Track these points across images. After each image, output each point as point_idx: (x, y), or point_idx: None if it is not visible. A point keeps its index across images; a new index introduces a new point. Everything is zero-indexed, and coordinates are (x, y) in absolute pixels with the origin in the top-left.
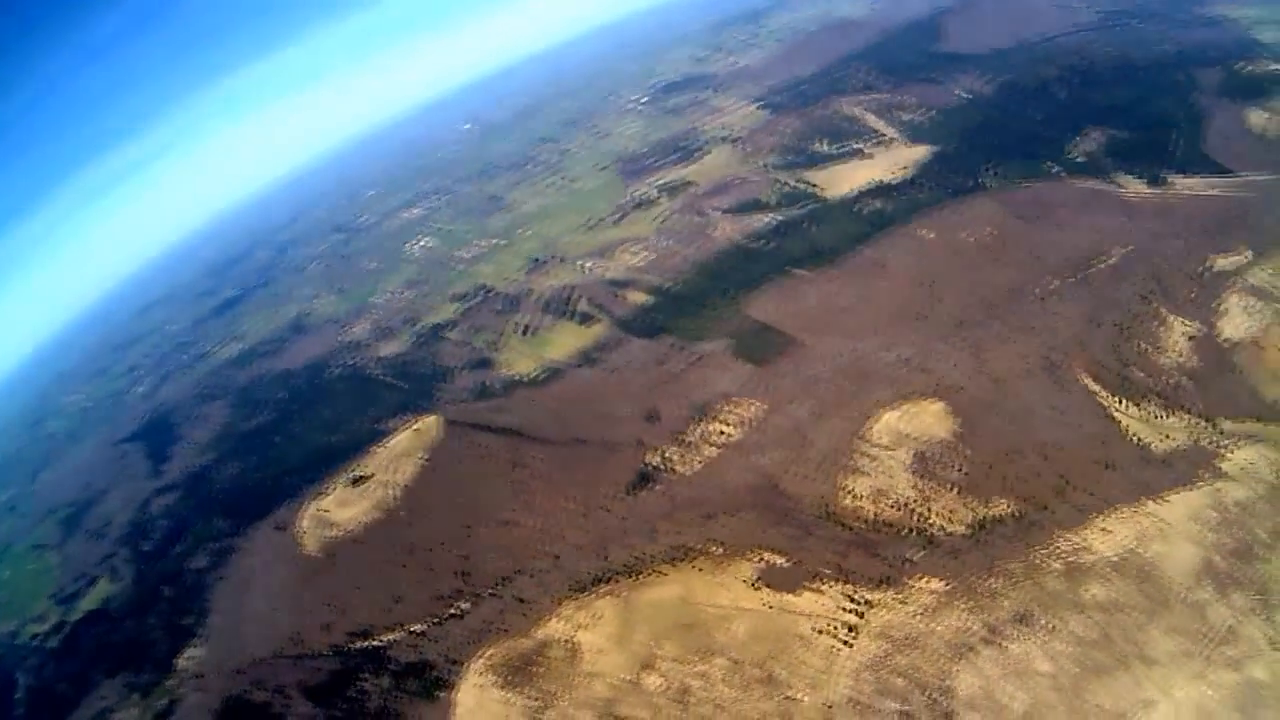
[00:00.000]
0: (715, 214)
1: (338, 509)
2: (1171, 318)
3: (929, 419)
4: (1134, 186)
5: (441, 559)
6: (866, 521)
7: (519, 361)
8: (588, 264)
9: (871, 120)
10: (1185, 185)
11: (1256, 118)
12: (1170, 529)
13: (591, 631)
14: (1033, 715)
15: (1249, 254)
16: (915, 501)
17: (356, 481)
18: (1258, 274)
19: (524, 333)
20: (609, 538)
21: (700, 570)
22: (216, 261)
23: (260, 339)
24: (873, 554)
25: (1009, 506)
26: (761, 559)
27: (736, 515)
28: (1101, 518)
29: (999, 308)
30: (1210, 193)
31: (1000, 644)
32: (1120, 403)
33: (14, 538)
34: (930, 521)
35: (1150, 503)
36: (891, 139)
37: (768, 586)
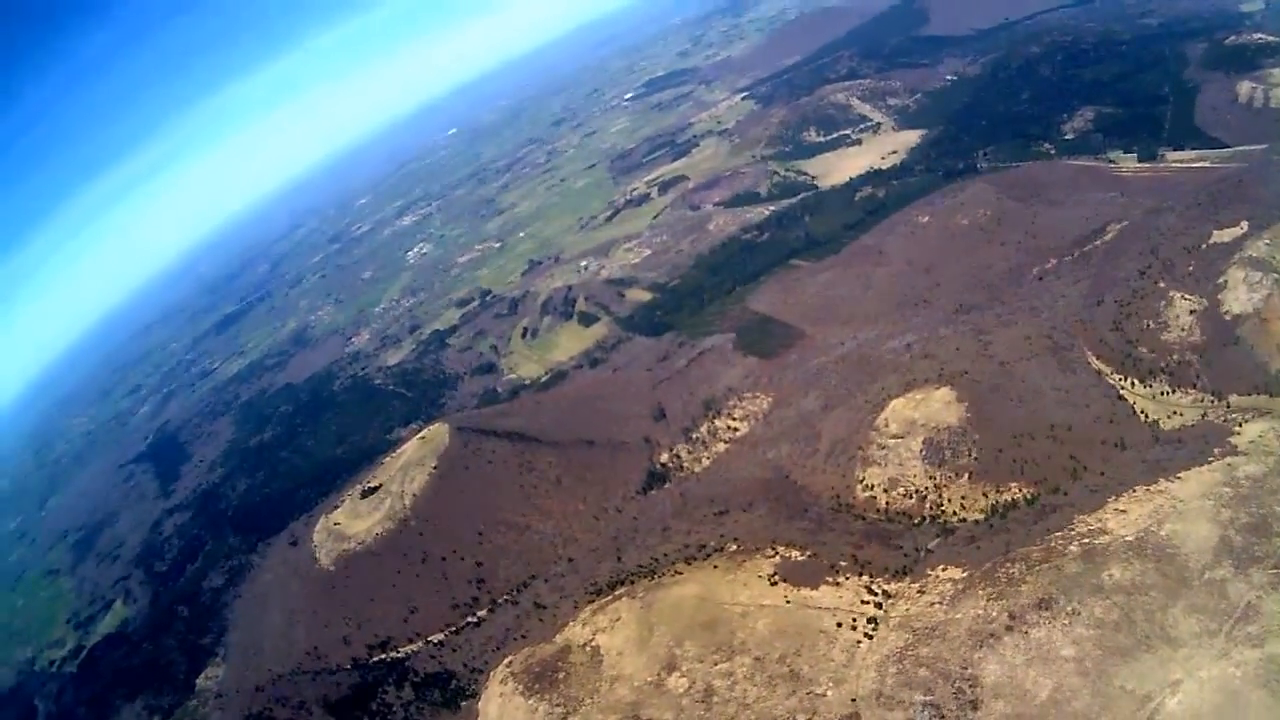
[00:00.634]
0: (710, 208)
1: (350, 521)
2: (1173, 293)
3: (937, 406)
4: (1127, 162)
5: (456, 567)
6: (881, 512)
7: (523, 365)
8: (586, 264)
9: (860, 107)
10: (1178, 159)
11: (1245, 89)
12: (1185, 507)
13: (611, 634)
14: (1058, 701)
15: (1246, 225)
16: (929, 490)
17: (367, 493)
18: (1257, 245)
19: (527, 336)
20: (623, 539)
21: (717, 568)
22: (213, 278)
23: (263, 353)
24: (890, 544)
25: (1022, 490)
26: (778, 554)
27: (750, 511)
28: (1116, 498)
29: (999, 290)
30: (1203, 165)
31: (1023, 630)
32: (1128, 381)
33: (26, 564)
34: (945, 509)
35: (1163, 481)
36: (881, 125)
37: (786, 582)
